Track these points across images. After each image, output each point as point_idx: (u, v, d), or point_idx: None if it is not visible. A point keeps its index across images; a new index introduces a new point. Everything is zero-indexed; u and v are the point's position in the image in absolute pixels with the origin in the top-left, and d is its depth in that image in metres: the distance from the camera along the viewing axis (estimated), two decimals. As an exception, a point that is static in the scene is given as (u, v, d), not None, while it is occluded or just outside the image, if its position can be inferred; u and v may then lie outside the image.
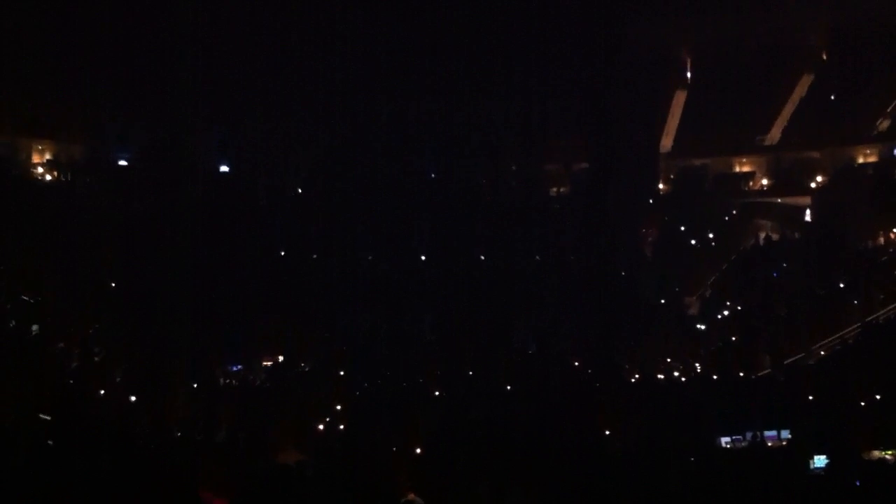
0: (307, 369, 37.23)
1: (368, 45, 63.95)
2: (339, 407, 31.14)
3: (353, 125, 62.77)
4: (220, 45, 59.27)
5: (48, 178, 57.45)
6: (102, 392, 29.94)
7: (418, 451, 24.61)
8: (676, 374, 43.47)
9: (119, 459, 16.63)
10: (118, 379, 32.06)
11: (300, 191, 61.15)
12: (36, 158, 58.30)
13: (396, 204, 57.57)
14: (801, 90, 70.10)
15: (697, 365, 44.61)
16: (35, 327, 32.03)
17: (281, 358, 38.28)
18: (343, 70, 63.09)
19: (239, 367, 35.30)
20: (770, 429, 32.08)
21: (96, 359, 33.22)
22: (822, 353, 41.85)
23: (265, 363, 37.89)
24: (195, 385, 32.81)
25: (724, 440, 31.58)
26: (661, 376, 42.11)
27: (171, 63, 54.99)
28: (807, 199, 64.95)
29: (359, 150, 61.68)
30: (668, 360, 45.08)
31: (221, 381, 34.53)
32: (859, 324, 42.17)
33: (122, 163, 58.57)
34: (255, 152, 60.00)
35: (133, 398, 29.62)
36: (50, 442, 17.22)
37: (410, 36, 64.46)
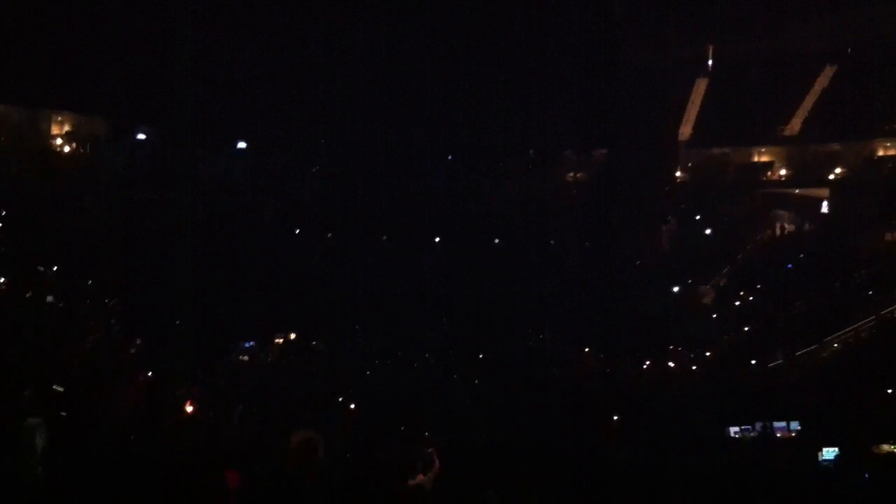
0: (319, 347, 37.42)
1: (378, 55, 63.75)
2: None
3: (361, 125, 62.55)
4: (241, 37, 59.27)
5: (67, 149, 57.66)
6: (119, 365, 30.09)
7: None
8: (689, 362, 43.51)
9: (132, 439, 16.80)
10: (133, 350, 32.16)
11: (317, 175, 61.05)
12: (55, 130, 58.50)
13: (407, 197, 57.48)
14: (823, 81, 69.66)
15: (709, 354, 44.65)
16: (50, 298, 32.19)
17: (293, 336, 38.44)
18: (350, 74, 62.87)
19: (251, 343, 35.39)
20: (780, 420, 32.07)
21: (115, 328, 33.38)
22: (835, 345, 41.77)
23: (277, 341, 38.02)
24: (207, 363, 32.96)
25: (734, 430, 31.58)
26: (671, 364, 42.15)
27: (187, 49, 54.92)
28: (825, 192, 64.68)
29: (370, 147, 61.51)
30: (681, 348, 45.15)
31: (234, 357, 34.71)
32: (873, 317, 42.05)
33: (142, 136, 58.78)
34: (275, 132, 59.97)
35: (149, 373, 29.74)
36: (63, 413, 17.31)
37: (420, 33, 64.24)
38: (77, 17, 52.91)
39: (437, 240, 56.12)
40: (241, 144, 60.81)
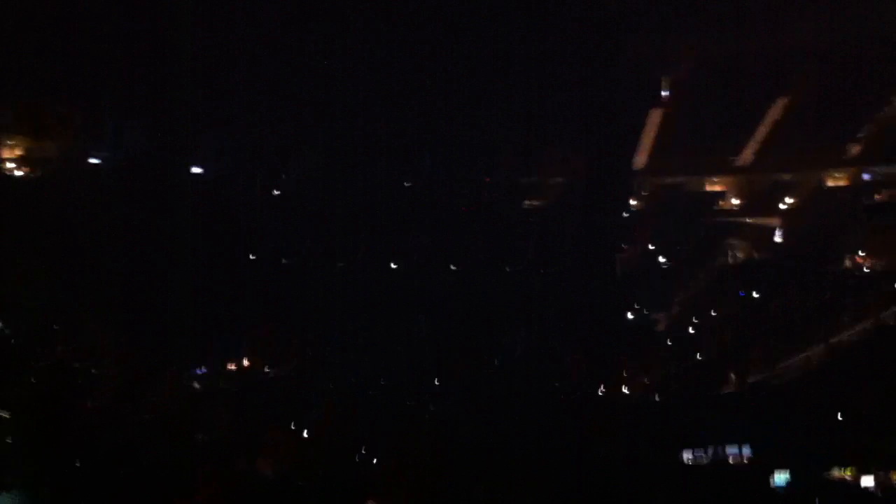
0: (272, 375, 37.09)
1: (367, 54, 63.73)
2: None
3: (345, 127, 62.45)
4: (206, 42, 58.88)
5: (18, 173, 56.83)
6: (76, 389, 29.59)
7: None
8: (643, 389, 43.68)
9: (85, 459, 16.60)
10: (92, 371, 31.70)
11: (279, 192, 60.69)
12: (6, 154, 57.69)
13: (377, 213, 57.35)
14: (774, 113, 70.60)
15: (664, 381, 44.86)
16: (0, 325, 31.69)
17: (246, 362, 38.08)
18: (338, 73, 62.73)
19: (203, 370, 35.05)
20: (732, 445, 32.29)
21: (63, 356, 32.87)
22: (786, 373, 42.22)
23: (230, 367, 37.68)
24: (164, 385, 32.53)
25: (686, 455, 31.75)
26: (626, 391, 42.32)
27: (151, 60, 54.56)
28: (777, 220, 65.41)
29: (349, 154, 61.33)
30: (635, 375, 45.30)
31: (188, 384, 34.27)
32: (823, 345, 42.58)
33: (94, 161, 58.10)
34: (234, 153, 59.62)
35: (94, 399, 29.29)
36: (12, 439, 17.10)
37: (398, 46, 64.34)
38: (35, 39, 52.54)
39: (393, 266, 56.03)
40: (197, 170, 60.30)
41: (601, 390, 41.22)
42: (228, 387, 35.16)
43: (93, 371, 25.08)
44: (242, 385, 36.14)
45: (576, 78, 69.17)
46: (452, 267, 56.54)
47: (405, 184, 64.06)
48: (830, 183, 65.74)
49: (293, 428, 29.51)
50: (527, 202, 68.88)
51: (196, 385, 32.71)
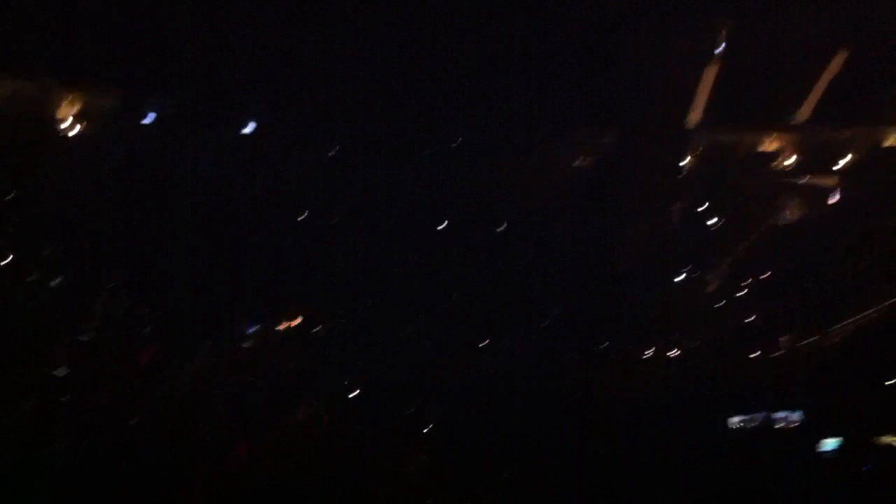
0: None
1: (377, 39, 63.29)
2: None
3: (362, 111, 62.20)
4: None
5: (77, 128, 57.53)
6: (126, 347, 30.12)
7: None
8: (690, 350, 43.48)
9: (129, 420, 16.89)
10: (145, 330, 32.25)
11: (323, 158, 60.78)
12: (65, 106, 58.33)
13: (413, 178, 57.24)
14: (833, 68, 69.17)
15: (712, 342, 44.62)
16: (56, 281, 32.29)
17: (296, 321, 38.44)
18: (349, 57, 62.42)
19: (254, 328, 35.46)
20: (782, 410, 32.13)
21: (120, 311, 33.40)
22: (838, 336, 41.76)
23: (280, 326, 38.04)
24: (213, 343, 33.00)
25: (736, 420, 31.66)
26: (674, 353, 42.17)
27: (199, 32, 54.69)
28: (833, 180, 64.34)
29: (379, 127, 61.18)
30: (683, 336, 45.11)
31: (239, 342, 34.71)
32: (876, 308, 42.00)
33: (152, 114, 58.63)
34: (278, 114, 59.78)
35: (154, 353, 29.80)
36: (62, 399, 17.45)
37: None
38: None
39: (439, 228, 55.97)
40: (248, 129, 60.64)
41: (648, 353, 41.12)
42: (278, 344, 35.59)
43: (146, 330, 25.53)
44: (292, 342, 36.55)
45: (628, 32, 68.27)
46: (502, 226, 56.51)
47: (453, 144, 63.90)
48: (891, 141, 64.46)
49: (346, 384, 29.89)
50: (577, 160, 68.45)
51: (246, 344, 33.21)
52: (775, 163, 68.16)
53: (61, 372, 20.26)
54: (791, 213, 61.25)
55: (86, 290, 33.38)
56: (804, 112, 69.19)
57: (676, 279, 53.27)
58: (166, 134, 54.84)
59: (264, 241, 45.35)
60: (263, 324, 34.79)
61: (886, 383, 33.66)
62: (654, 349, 41.78)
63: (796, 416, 31.96)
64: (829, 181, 64.05)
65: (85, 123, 56.88)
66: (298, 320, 37.22)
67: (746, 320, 46.13)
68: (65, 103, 57.70)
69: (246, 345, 33.12)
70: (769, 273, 51.68)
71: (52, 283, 31.52)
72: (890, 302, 42.05)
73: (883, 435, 29.52)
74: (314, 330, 36.47)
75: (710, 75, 72.84)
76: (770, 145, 69.56)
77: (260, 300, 36.86)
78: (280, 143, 59.44)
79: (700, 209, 62.53)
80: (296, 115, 60.11)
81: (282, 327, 36.66)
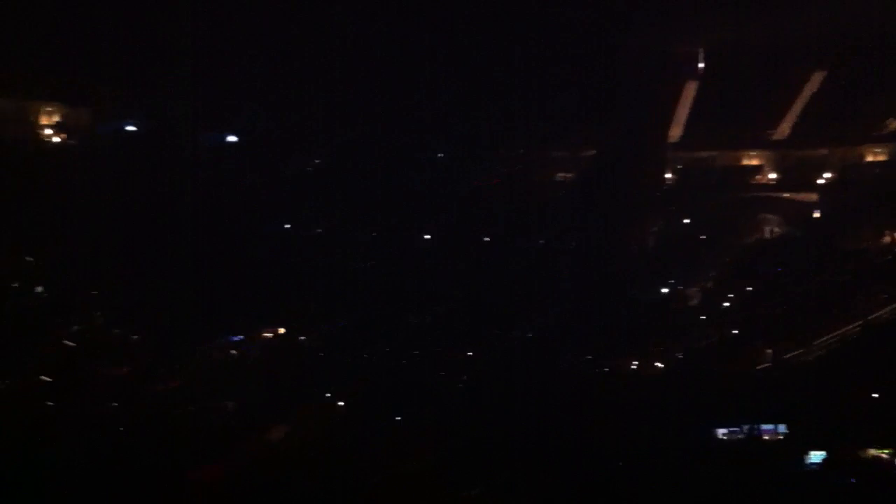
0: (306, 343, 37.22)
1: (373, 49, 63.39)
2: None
3: (355, 119, 62.19)
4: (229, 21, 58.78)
5: (55, 140, 57.16)
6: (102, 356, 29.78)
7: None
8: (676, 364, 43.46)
9: (115, 425, 16.64)
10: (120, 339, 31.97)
11: (309, 168, 60.70)
12: (44, 121, 57.98)
13: (399, 189, 57.23)
14: (812, 86, 69.74)
15: (697, 356, 44.63)
16: (39, 289, 31.96)
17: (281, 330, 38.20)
18: (344, 66, 62.44)
19: (239, 338, 35.20)
20: (767, 423, 32.08)
21: (98, 322, 33.10)
22: (822, 349, 41.85)
23: (265, 335, 37.83)
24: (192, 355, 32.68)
25: (721, 432, 31.58)
26: (659, 365, 42.14)
27: (179, 34, 54.54)
28: (813, 196, 64.74)
29: (365, 136, 61.16)
30: (669, 350, 45.11)
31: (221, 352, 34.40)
32: (860, 322, 42.15)
33: (131, 128, 58.35)
34: (265, 124, 59.60)
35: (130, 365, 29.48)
36: (49, 403, 17.22)
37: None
38: (70, 9, 52.55)
39: (427, 237, 56.02)
40: (232, 138, 60.47)
41: (634, 365, 41.10)
42: (263, 354, 35.34)
43: (133, 337, 25.28)
44: (277, 352, 36.27)
45: (611, 50, 68.60)
46: (485, 238, 56.50)
47: (438, 155, 63.92)
48: (869, 158, 64.96)
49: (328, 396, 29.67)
50: (559, 175, 68.58)
51: (233, 352, 32.97)
52: (757, 178, 68.59)
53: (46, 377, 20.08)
54: (773, 228, 61.64)
55: (68, 299, 33.09)
56: (783, 130, 69.76)
57: (662, 292, 53.36)
58: (152, 142, 54.69)
59: (252, 248, 45.18)
60: (254, 329, 34.58)
61: (871, 396, 33.75)
62: (639, 362, 41.78)
63: (781, 429, 31.91)
64: (811, 196, 64.51)
65: (67, 133, 56.71)
66: (289, 327, 37.14)
67: (731, 333, 46.22)
68: (45, 113, 57.49)
69: (237, 350, 32.98)
70: (753, 286, 51.85)
71: (36, 290, 31.25)
72: (874, 315, 42.25)
73: (867, 448, 29.51)
74: (309, 333, 36.34)
75: (689, 94, 73.35)
76: (751, 161, 70.00)
77: (250, 306, 36.64)
78: (266, 153, 59.40)
79: (684, 223, 62.81)
80: (282, 126, 60.18)
81: (275, 333, 36.52)
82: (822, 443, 28.21)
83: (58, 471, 13.92)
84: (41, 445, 14.31)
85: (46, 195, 43.48)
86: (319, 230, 52.54)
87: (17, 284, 31.17)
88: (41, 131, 57.03)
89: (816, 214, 62.98)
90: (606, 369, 39.01)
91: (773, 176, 68.59)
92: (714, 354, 43.42)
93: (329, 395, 28.06)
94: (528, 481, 21.05)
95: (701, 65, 73.83)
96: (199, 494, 14.63)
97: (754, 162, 69.65)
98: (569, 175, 69.29)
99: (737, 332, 46.00)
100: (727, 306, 51.88)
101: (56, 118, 57.87)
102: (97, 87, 56.38)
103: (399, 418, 24.60)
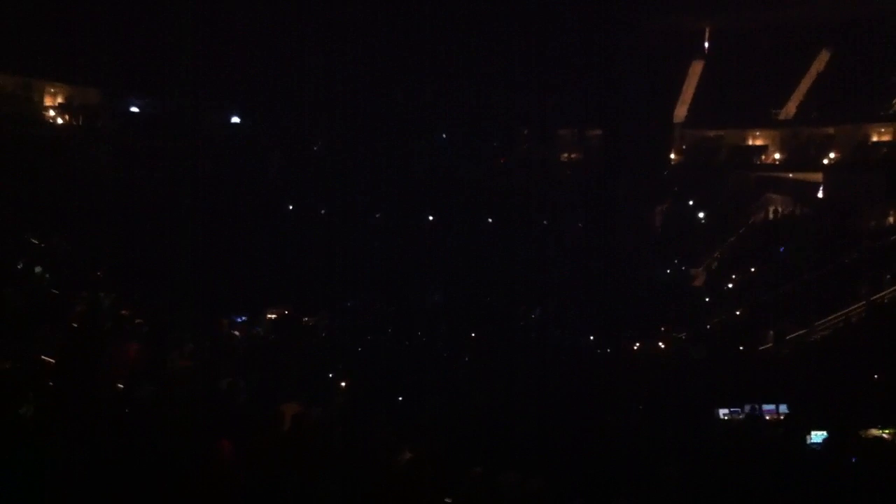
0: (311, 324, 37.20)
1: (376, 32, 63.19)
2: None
3: (365, 87, 62.15)
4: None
5: (59, 121, 57.24)
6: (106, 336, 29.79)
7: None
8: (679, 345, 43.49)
9: (122, 407, 16.67)
10: (125, 322, 31.95)
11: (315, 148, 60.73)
12: (48, 101, 58.01)
13: (404, 169, 57.25)
14: (818, 65, 69.58)
15: (700, 336, 44.72)
16: (38, 269, 31.94)
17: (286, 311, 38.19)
18: (347, 49, 62.27)
19: (243, 318, 35.13)
20: (769, 403, 32.08)
21: (104, 303, 33.12)
22: (826, 329, 41.91)
23: (270, 316, 37.81)
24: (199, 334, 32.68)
25: (723, 412, 31.61)
26: (661, 344, 42.21)
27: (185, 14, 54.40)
28: (819, 176, 64.73)
29: (369, 119, 61.11)
30: (671, 330, 45.20)
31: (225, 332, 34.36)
32: (864, 302, 42.18)
33: (135, 109, 58.43)
34: (270, 106, 59.55)
35: (137, 345, 29.47)
36: (51, 383, 17.21)
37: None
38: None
39: (431, 218, 56.09)
40: (235, 119, 60.61)
41: (636, 346, 41.15)
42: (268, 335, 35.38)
43: (137, 321, 25.23)
44: (282, 332, 36.28)
45: (616, 29, 68.44)
46: (489, 219, 56.64)
47: (443, 135, 63.95)
48: (875, 137, 64.85)
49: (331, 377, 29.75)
50: (564, 155, 68.67)
51: (235, 333, 32.91)
52: (762, 158, 68.58)
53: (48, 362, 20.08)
54: (778, 208, 61.65)
55: (73, 280, 33.13)
56: (789, 109, 69.61)
57: (664, 273, 53.46)
58: (150, 132, 54.75)
59: (257, 228, 45.23)
60: (253, 315, 34.45)
61: (873, 376, 33.80)
62: (640, 343, 41.85)
63: (783, 409, 31.92)
64: (816, 177, 64.48)
65: (67, 120, 56.75)
66: (287, 313, 37.01)
67: (734, 313, 46.30)
68: (45, 100, 57.50)
69: (235, 338, 32.87)
70: (756, 268, 51.90)
71: (36, 271, 31.22)
72: (877, 296, 42.25)
73: (870, 428, 29.51)
74: (305, 322, 36.20)
75: (695, 73, 73.22)
76: (756, 141, 69.96)
77: (249, 293, 36.63)
78: (265, 142, 59.45)
79: (687, 204, 62.88)
80: (279, 114, 60.14)
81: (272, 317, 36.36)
82: (824, 423, 28.13)
83: (64, 452, 13.99)
84: (47, 428, 14.37)
85: (51, 175, 43.62)
86: (323, 210, 52.71)
87: (20, 266, 31.18)
88: (45, 112, 57.11)
89: (821, 195, 63.00)
90: (609, 350, 39.06)
91: (778, 156, 68.58)
92: (717, 334, 43.56)
93: (332, 375, 28.10)
94: (529, 458, 21.08)
95: (706, 44, 73.72)
96: (210, 472, 14.67)
97: (759, 142, 69.63)
98: (573, 155, 69.40)
99: (740, 312, 46.13)
100: (730, 287, 52.05)
101: (60, 98, 57.94)
102: (103, 67, 56.29)
103: (402, 399, 24.64)
